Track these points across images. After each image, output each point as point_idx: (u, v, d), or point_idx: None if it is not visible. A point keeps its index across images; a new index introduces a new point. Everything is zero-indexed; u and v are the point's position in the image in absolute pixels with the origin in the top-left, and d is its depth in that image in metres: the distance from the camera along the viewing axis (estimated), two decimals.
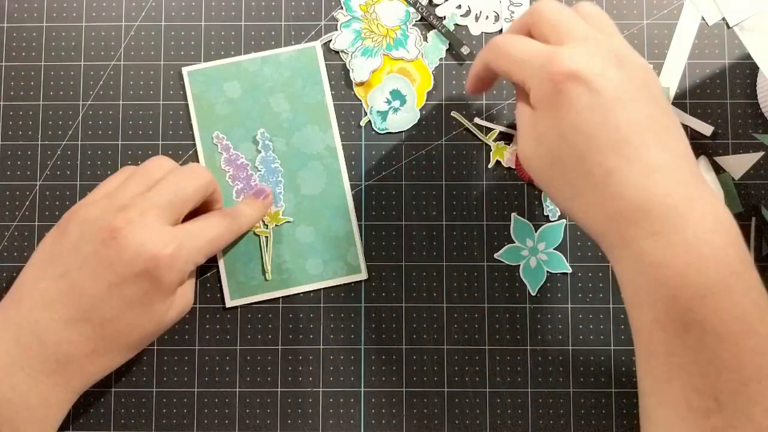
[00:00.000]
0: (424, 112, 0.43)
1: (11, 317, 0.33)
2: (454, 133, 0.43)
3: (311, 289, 0.42)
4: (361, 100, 0.43)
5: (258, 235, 0.42)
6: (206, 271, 0.42)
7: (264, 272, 0.41)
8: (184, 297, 0.37)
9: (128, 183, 0.35)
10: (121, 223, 0.33)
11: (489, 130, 0.42)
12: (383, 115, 0.42)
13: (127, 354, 0.36)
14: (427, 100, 0.43)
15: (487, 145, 0.42)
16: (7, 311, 0.34)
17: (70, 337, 0.33)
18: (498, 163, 0.42)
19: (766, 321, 0.27)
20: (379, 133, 0.43)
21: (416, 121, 0.43)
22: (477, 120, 0.42)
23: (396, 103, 0.42)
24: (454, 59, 0.43)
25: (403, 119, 0.43)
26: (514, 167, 0.42)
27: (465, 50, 0.43)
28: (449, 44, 0.43)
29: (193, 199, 0.36)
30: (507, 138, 0.42)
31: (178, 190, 0.35)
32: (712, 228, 0.27)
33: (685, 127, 0.42)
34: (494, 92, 0.43)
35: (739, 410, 0.26)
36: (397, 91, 0.43)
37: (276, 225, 0.42)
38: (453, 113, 0.43)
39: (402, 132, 0.43)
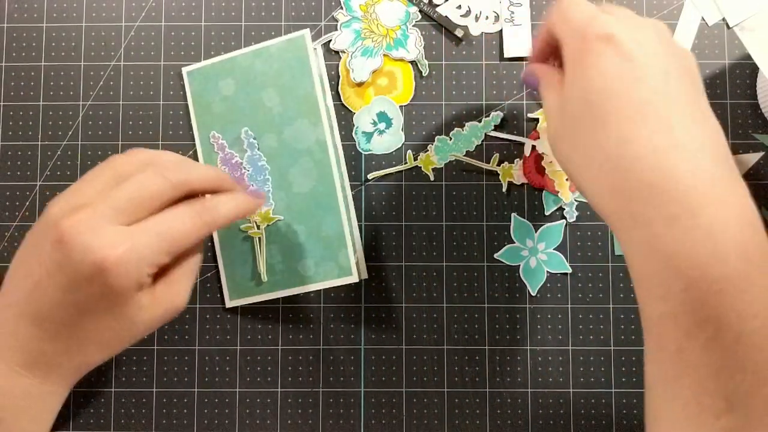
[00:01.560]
0: (423, 112, 0.43)
1: None
2: (453, 132, 0.43)
3: (304, 291, 0.42)
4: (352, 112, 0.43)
5: (252, 237, 0.42)
6: (206, 272, 0.42)
7: (260, 272, 0.41)
8: (168, 300, 0.34)
9: (95, 177, 0.33)
10: (70, 224, 0.30)
11: (489, 157, 0.42)
12: (368, 136, 0.42)
13: (107, 350, 0.34)
14: (425, 100, 0.43)
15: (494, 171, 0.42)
16: None
17: (38, 334, 0.32)
18: (511, 184, 0.42)
19: None
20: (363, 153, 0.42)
21: (400, 145, 0.42)
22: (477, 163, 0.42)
23: (381, 126, 0.42)
24: (452, 59, 0.43)
25: (388, 142, 0.42)
26: (525, 180, 0.42)
27: (459, 33, 0.42)
28: (444, 29, 0.43)
29: (155, 202, 0.32)
30: (509, 158, 0.42)
31: (139, 190, 0.32)
32: (735, 217, 0.25)
33: None
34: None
35: (752, 412, 0.25)
36: (384, 113, 0.42)
37: (268, 225, 0.42)
38: (451, 156, 0.42)
39: (384, 154, 0.43)
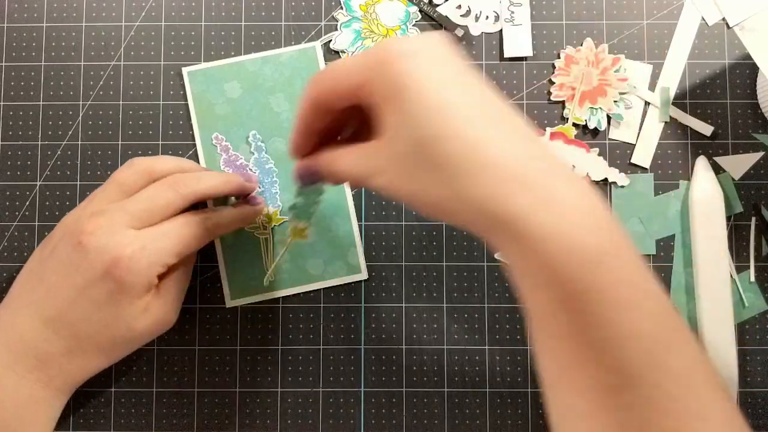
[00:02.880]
0: None
1: (1, 318, 0.36)
2: None
3: (311, 289, 0.42)
4: None
5: (258, 237, 0.42)
6: (206, 271, 0.42)
7: (265, 271, 0.41)
8: (160, 311, 0.36)
9: (104, 191, 0.36)
10: (89, 228, 0.34)
11: None
12: None
13: (103, 357, 0.37)
14: None
15: None
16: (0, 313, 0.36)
17: (46, 335, 0.35)
18: None
19: (653, 282, 0.25)
20: None
21: None
22: None
23: None
24: None
25: None
26: None
27: (459, 32, 0.42)
28: (444, 29, 0.43)
29: (166, 211, 0.36)
30: None
31: (151, 201, 0.35)
32: (580, 191, 0.25)
33: (685, 127, 0.42)
34: None
35: (647, 382, 0.24)
36: None
37: (275, 226, 0.42)
38: None
39: None
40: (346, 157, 0.30)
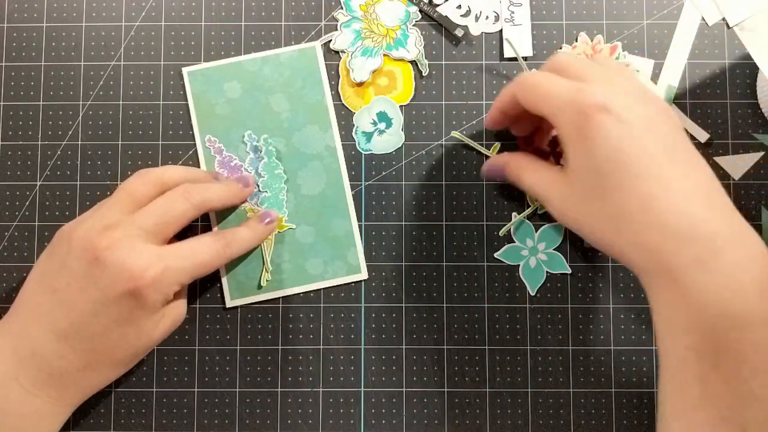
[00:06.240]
0: (423, 112, 0.43)
1: (10, 329, 0.35)
2: (453, 132, 0.43)
3: (311, 289, 0.42)
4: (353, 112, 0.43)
5: None
6: None
7: (266, 272, 0.41)
8: (174, 312, 0.37)
9: (114, 203, 0.36)
10: (106, 243, 0.33)
11: (490, 144, 0.42)
12: (368, 136, 0.42)
13: (119, 369, 0.36)
14: (425, 100, 0.43)
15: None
16: (7, 323, 0.35)
17: (61, 351, 0.34)
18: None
19: None
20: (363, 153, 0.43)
21: (400, 145, 0.42)
22: (478, 147, 0.42)
23: (382, 125, 0.42)
24: (452, 59, 0.43)
25: (388, 142, 0.42)
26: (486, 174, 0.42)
27: (459, 32, 0.42)
28: (444, 29, 0.43)
29: (180, 222, 0.36)
30: (512, 147, 0.42)
31: (165, 212, 0.35)
32: (751, 256, 0.27)
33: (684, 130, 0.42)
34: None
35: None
36: (384, 113, 0.42)
37: (278, 231, 0.42)
38: (453, 133, 0.42)
39: (385, 153, 0.43)
40: (533, 174, 0.35)
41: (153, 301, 0.34)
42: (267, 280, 0.41)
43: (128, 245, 0.33)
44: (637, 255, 0.30)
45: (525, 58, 0.43)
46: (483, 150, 0.42)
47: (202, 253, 0.36)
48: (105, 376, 0.36)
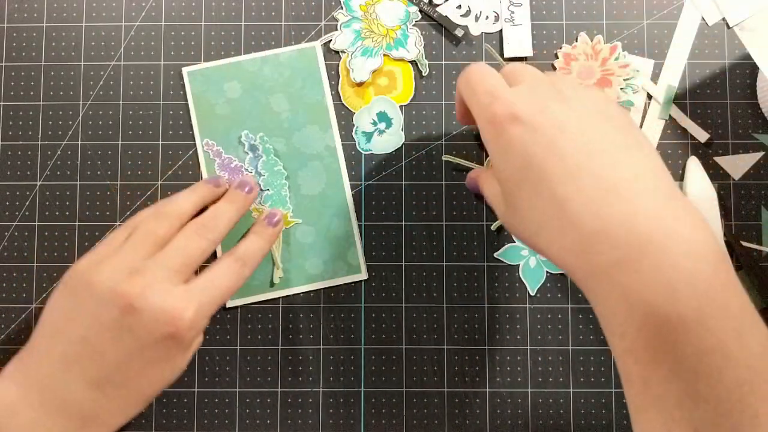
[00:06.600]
0: (423, 112, 0.43)
1: (34, 379, 0.33)
2: (453, 133, 0.43)
3: (311, 289, 0.42)
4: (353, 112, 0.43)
5: None
6: None
7: (277, 269, 0.41)
8: (199, 339, 0.37)
9: (134, 243, 0.35)
10: (137, 289, 0.32)
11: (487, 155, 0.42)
12: (368, 136, 0.42)
13: (144, 404, 0.35)
14: (425, 100, 0.43)
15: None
16: (28, 373, 0.33)
17: (93, 397, 0.33)
18: None
19: (749, 348, 0.25)
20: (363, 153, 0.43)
21: (400, 145, 0.42)
22: (471, 165, 0.42)
23: (382, 125, 0.42)
24: (452, 59, 0.43)
25: (388, 142, 0.43)
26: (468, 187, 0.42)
27: (459, 32, 0.42)
28: (444, 29, 0.43)
29: (201, 259, 0.36)
30: None
31: (187, 251, 0.35)
32: (684, 251, 0.25)
33: (684, 130, 0.42)
34: None
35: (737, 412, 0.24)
36: (384, 113, 0.43)
37: (285, 228, 0.42)
38: (445, 157, 0.42)
39: (385, 153, 0.43)
40: (487, 189, 0.34)
41: (190, 339, 0.34)
42: (280, 278, 0.41)
43: (160, 289, 0.33)
44: (563, 260, 0.29)
45: (525, 59, 0.43)
46: (475, 167, 0.42)
47: (224, 279, 0.36)
48: (134, 411, 0.35)
